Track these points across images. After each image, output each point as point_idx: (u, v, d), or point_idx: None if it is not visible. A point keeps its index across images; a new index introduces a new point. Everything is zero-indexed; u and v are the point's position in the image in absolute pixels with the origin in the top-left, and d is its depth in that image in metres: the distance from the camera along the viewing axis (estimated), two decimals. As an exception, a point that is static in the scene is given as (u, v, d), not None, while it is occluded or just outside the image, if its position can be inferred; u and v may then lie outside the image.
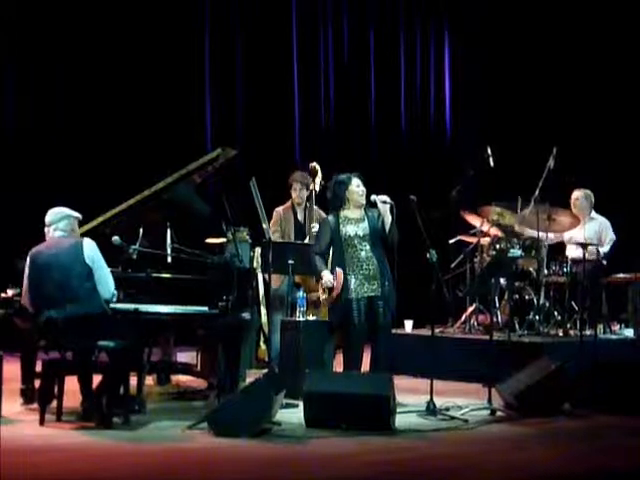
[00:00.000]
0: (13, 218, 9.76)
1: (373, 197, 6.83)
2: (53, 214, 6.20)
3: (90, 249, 6.05)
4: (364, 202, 6.86)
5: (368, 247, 6.82)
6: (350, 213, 6.88)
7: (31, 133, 10.23)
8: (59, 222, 6.16)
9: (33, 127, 10.23)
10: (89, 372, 6.07)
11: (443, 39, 12.08)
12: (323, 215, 7.97)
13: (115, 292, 6.13)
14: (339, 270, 6.76)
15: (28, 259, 6.10)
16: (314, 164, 8.13)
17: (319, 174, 8.11)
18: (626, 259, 8.24)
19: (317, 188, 8.09)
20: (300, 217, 8.25)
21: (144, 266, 6.56)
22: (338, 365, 7.05)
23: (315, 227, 7.76)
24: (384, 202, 6.79)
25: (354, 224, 6.84)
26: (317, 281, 7.07)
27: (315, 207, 8.10)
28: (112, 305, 6.13)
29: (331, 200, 6.97)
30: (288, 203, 8.28)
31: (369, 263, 6.79)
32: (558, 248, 8.78)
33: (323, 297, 6.93)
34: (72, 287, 5.94)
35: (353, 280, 6.74)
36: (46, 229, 6.20)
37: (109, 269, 6.16)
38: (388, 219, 6.81)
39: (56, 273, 5.95)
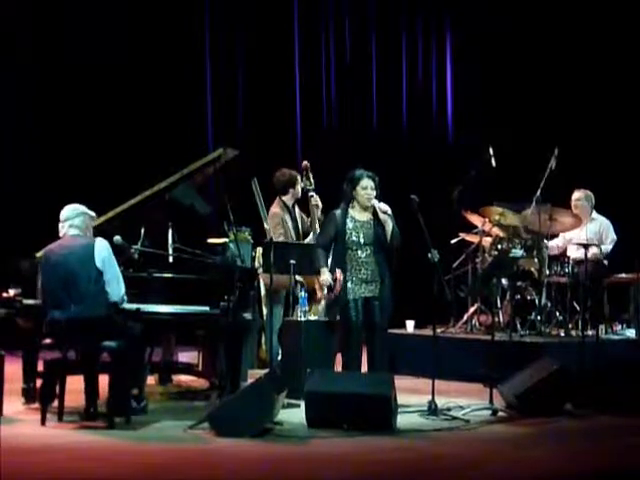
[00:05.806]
0: (15, 218, 9.77)
1: (374, 202, 6.82)
2: (69, 210, 6.12)
3: (102, 250, 5.97)
4: (370, 205, 6.84)
5: (369, 252, 6.83)
6: (357, 214, 6.88)
7: (32, 133, 10.24)
8: (75, 218, 6.08)
9: (33, 126, 10.23)
10: (95, 374, 6.05)
11: (445, 39, 12.06)
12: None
13: (124, 296, 6.06)
14: (339, 271, 6.77)
15: (43, 258, 6.07)
16: (306, 162, 8.05)
17: (309, 174, 8.00)
18: (628, 259, 8.22)
19: (308, 187, 7.97)
20: (296, 216, 8.17)
21: (146, 266, 6.57)
22: (338, 365, 7.05)
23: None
24: (384, 212, 6.80)
25: (359, 228, 6.83)
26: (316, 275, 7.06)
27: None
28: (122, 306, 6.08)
29: (342, 194, 6.96)
30: (280, 204, 8.04)
31: (368, 267, 6.81)
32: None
33: (320, 294, 6.93)
34: (78, 288, 5.89)
35: (351, 281, 6.76)
36: (60, 225, 6.11)
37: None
38: (389, 227, 6.83)
39: (64, 273, 5.90)
